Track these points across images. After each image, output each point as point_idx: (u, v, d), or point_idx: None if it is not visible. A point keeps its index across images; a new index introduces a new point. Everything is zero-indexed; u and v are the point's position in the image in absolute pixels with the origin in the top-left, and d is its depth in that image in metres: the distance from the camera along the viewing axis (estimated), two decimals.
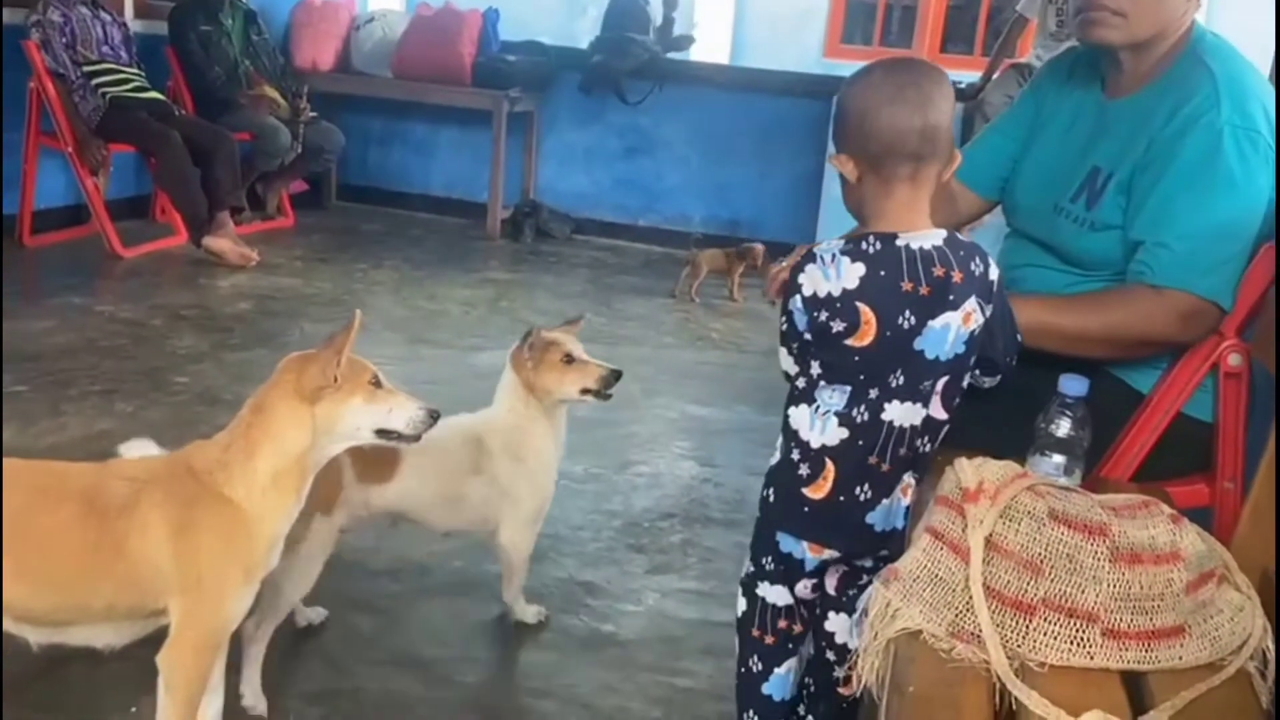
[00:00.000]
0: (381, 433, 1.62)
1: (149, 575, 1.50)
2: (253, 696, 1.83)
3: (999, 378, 1.54)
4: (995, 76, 5.05)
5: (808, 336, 1.44)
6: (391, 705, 1.92)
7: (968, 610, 1.18)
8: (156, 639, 1.55)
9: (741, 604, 1.60)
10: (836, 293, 1.39)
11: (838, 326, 1.40)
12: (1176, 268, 1.59)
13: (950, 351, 1.42)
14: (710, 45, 7.08)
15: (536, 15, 6.56)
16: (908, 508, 1.50)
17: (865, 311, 1.39)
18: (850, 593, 1.56)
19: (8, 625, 1.53)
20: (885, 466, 1.45)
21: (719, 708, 1.89)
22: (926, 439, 1.47)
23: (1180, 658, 1.16)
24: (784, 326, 1.47)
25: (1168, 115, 1.63)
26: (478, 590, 2.27)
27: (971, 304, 1.42)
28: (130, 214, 5.15)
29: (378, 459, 1.88)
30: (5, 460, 1.52)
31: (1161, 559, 1.18)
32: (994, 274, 1.45)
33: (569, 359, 1.96)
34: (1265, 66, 1.98)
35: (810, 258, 1.42)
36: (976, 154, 1.93)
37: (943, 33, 7.24)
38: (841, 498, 1.45)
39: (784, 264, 1.69)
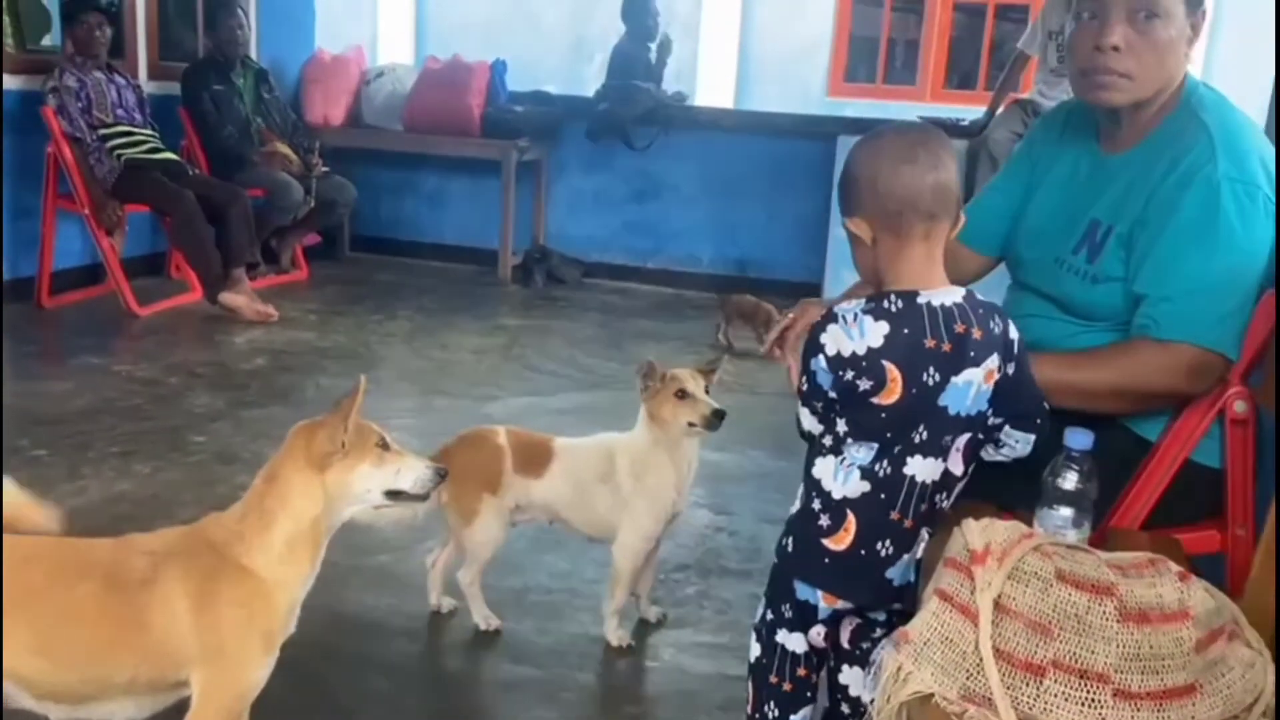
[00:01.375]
0: (391, 494, 1.66)
1: (171, 648, 1.53)
2: (483, 619, 2.30)
3: (1017, 446, 1.52)
4: (999, 112, 5.09)
5: (832, 395, 1.46)
6: None
7: (979, 673, 1.18)
8: (179, 708, 1.57)
9: (755, 649, 1.61)
10: (861, 351, 1.41)
11: (864, 385, 1.41)
12: (1181, 321, 1.60)
13: (972, 407, 1.44)
14: (714, 87, 7.16)
15: (543, 64, 6.66)
16: (919, 561, 1.51)
17: (891, 369, 1.40)
18: (864, 645, 1.57)
19: (30, 703, 1.55)
20: (908, 522, 1.46)
21: None
22: (945, 494, 1.49)
23: (1193, 717, 1.16)
24: (805, 386, 1.48)
25: (1166, 170, 1.65)
26: (493, 648, 2.28)
27: (993, 361, 1.44)
28: (146, 272, 5.24)
29: (532, 456, 2.26)
30: (24, 538, 1.56)
31: (1170, 617, 1.18)
32: (1014, 334, 1.48)
33: (682, 394, 2.17)
34: (1260, 117, 2.01)
35: (832, 318, 1.44)
36: (976, 214, 1.95)
37: (945, 68, 7.29)
38: (862, 551, 1.46)
39: (782, 323, 1.72)
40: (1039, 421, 1.52)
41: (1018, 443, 1.53)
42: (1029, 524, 1.42)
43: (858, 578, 1.48)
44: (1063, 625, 1.18)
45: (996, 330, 1.45)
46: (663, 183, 6.03)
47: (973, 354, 1.42)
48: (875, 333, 1.41)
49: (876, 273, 1.49)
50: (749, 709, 1.64)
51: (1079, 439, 1.44)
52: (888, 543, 1.46)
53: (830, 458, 1.48)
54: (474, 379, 4.17)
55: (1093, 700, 1.15)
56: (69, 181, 4.64)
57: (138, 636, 1.52)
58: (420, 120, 5.84)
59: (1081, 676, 1.16)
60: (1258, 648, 1.23)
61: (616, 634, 2.29)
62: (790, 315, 1.74)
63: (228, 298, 4.70)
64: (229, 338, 4.50)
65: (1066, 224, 1.77)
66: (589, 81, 6.45)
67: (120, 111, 4.80)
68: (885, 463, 1.44)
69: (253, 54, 5.63)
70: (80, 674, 1.54)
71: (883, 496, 1.45)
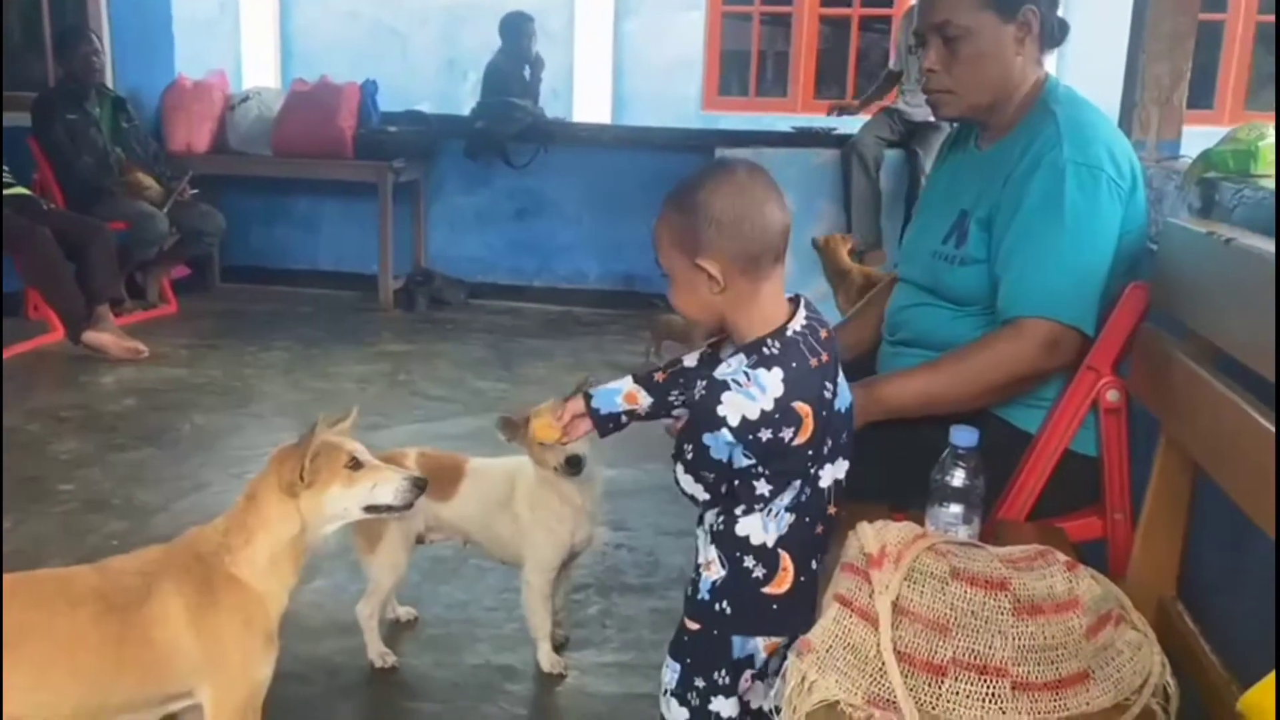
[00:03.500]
0: (371, 508, 1.69)
1: (175, 661, 1.57)
2: (379, 656, 2.23)
3: None
4: (868, 119, 5.23)
5: (749, 460, 1.38)
6: None
7: (882, 676, 1.18)
8: None
9: (682, 713, 1.51)
10: (770, 406, 1.35)
11: (787, 434, 1.36)
12: (1032, 297, 1.68)
13: (847, 397, 1.47)
14: (591, 103, 7.18)
15: (415, 84, 6.56)
16: None
17: (801, 408, 1.36)
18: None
19: None
20: (819, 528, 1.46)
21: None
22: (840, 485, 1.48)
23: (1088, 704, 1.19)
24: (690, 455, 1.39)
25: (1019, 157, 1.74)
26: (390, 686, 2.21)
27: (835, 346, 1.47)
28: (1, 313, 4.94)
29: (443, 479, 2.16)
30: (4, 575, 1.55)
31: (1061, 607, 1.21)
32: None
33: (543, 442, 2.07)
34: (1114, 113, 2.10)
35: (722, 387, 1.36)
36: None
37: (815, 79, 7.46)
38: (802, 578, 1.44)
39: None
40: None
41: None
42: (921, 523, 1.45)
43: (802, 608, 1.43)
44: (960, 623, 1.19)
45: (822, 317, 1.46)
46: (545, 200, 5.99)
47: (835, 351, 1.45)
48: (774, 381, 1.35)
49: (713, 311, 1.43)
50: None
51: (964, 436, 1.47)
52: (817, 557, 1.46)
53: (755, 515, 1.42)
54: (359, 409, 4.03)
55: (993, 695, 1.17)
56: None
57: (141, 654, 1.54)
58: (290, 144, 5.67)
59: (981, 672, 1.17)
60: (1143, 629, 1.27)
61: (549, 659, 2.24)
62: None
63: (92, 336, 4.47)
64: (95, 378, 4.27)
65: (942, 219, 1.86)
66: (464, 100, 6.38)
67: None
68: (806, 488, 1.42)
69: (109, 82, 5.39)
70: (78, 702, 1.54)
71: (807, 519, 1.43)
